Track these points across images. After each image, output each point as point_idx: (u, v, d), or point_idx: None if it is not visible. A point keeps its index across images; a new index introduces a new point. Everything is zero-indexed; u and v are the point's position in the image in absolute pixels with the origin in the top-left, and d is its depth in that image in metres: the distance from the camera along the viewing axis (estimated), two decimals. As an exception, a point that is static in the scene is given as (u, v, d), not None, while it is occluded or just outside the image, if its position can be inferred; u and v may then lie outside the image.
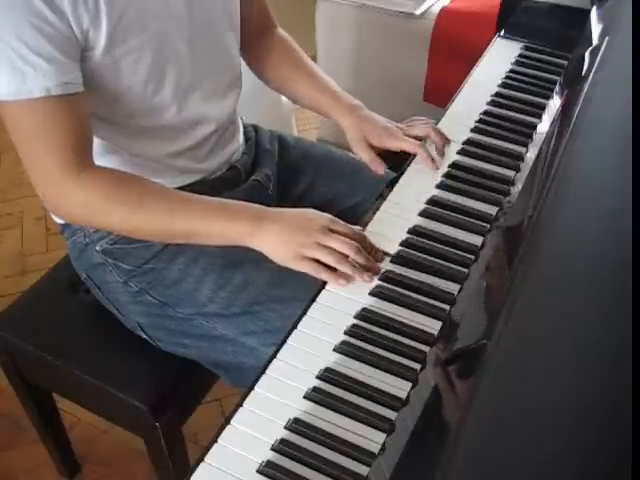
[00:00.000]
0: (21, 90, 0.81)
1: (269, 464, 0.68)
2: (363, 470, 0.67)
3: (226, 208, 0.90)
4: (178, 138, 1.02)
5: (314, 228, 0.86)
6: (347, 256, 0.85)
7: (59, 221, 1.09)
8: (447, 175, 1.02)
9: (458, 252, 0.89)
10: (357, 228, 0.90)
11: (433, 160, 1.02)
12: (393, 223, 0.94)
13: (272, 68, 1.15)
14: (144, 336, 1.06)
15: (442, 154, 1.04)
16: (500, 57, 1.29)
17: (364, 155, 1.05)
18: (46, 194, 0.91)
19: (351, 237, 0.86)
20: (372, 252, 0.88)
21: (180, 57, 0.96)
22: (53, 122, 0.84)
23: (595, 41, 1.16)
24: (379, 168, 1.04)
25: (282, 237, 0.86)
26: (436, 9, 1.81)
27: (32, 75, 0.81)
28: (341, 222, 0.89)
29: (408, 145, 1.03)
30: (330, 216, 0.89)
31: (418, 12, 1.80)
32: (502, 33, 1.35)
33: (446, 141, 1.06)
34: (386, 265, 0.87)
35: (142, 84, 0.93)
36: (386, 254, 0.89)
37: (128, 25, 0.87)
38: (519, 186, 1.00)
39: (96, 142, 0.94)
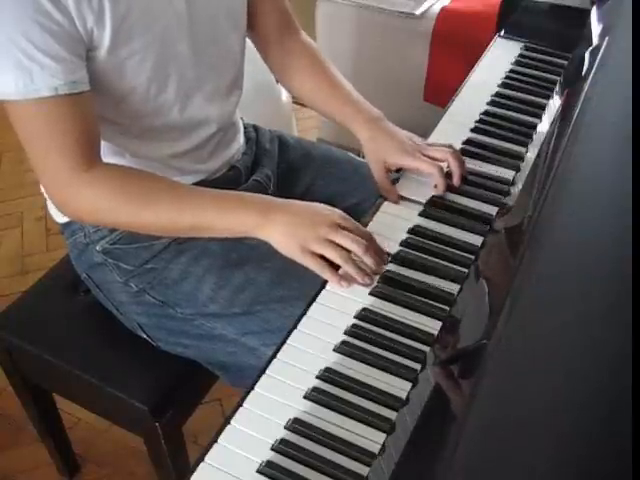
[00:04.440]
0: (29, 89, 0.81)
1: (269, 464, 0.68)
2: (363, 470, 0.67)
3: (234, 200, 0.90)
4: (180, 139, 1.02)
5: (324, 223, 0.85)
6: (353, 254, 0.84)
7: (59, 221, 1.09)
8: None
9: (458, 252, 0.89)
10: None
11: (444, 187, 0.97)
12: (393, 223, 0.94)
13: (292, 75, 1.13)
14: (144, 336, 1.06)
15: (459, 183, 0.98)
16: (500, 57, 1.29)
17: (380, 181, 1.01)
18: (54, 193, 0.91)
19: (360, 236, 0.85)
20: (378, 253, 0.87)
21: (182, 57, 0.96)
22: (60, 121, 0.85)
23: (595, 41, 1.16)
24: (392, 197, 0.98)
25: (290, 229, 0.85)
26: (436, 9, 1.81)
27: (40, 74, 0.81)
28: (351, 220, 0.88)
29: (425, 166, 0.97)
30: (340, 212, 0.88)
31: (418, 12, 1.80)
32: (502, 33, 1.35)
33: (464, 170, 0.99)
34: (386, 265, 0.87)
35: (145, 85, 0.93)
36: (388, 254, 0.89)
37: (132, 25, 0.87)
38: (519, 186, 1.00)
39: None
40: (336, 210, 0.88)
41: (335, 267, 0.85)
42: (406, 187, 1.00)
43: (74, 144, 0.86)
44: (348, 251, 0.84)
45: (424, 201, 0.97)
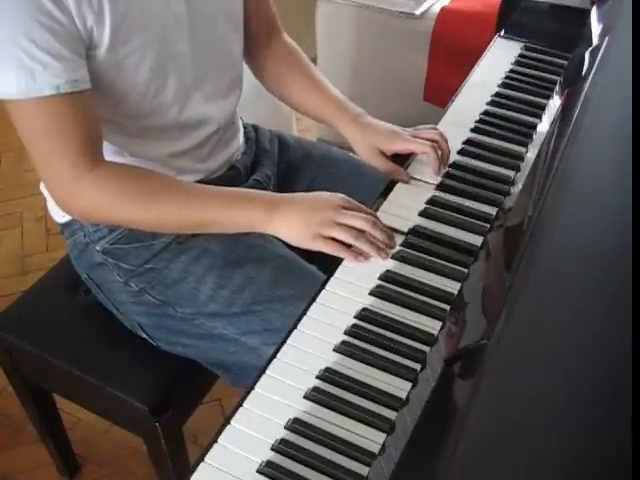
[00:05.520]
0: (31, 88, 0.81)
1: (269, 464, 0.68)
2: (363, 470, 0.67)
3: (240, 196, 0.92)
4: (179, 139, 1.02)
5: (328, 207, 0.87)
6: (363, 232, 0.86)
7: (59, 221, 1.09)
8: (447, 175, 1.02)
9: (458, 252, 0.89)
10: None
11: (440, 164, 1.00)
12: (393, 223, 0.94)
13: (275, 76, 1.15)
14: (144, 336, 1.06)
15: (446, 162, 1.02)
16: (500, 57, 1.29)
17: (381, 166, 1.04)
18: (57, 193, 0.92)
19: (365, 214, 0.88)
20: (384, 229, 0.90)
21: (181, 57, 0.96)
22: (63, 120, 0.85)
23: (595, 41, 1.16)
24: (403, 176, 1.01)
25: (298, 219, 0.87)
26: (436, 9, 1.81)
27: (41, 73, 0.81)
28: (353, 201, 0.90)
29: (417, 146, 1.01)
30: (342, 195, 0.90)
31: (418, 12, 1.80)
32: (502, 33, 1.35)
33: (449, 150, 1.03)
34: (386, 265, 0.87)
35: (145, 84, 0.93)
36: (397, 231, 0.91)
37: (131, 25, 0.87)
38: (519, 186, 1.00)
39: None
40: (337, 194, 0.91)
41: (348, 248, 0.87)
42: (403, 195, 1.00)
43: (76, 144, 0.86)
44: (357, 230, 0.86)
45: (419, 208, 0.97)
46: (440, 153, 1.01)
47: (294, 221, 0.87)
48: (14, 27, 0.79)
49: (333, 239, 0.87)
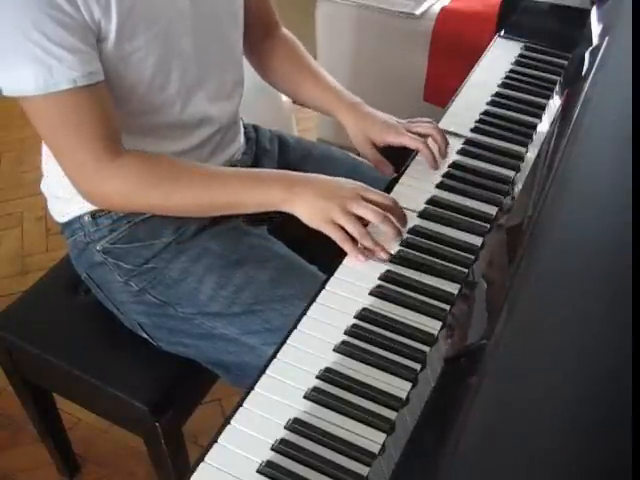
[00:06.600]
0: (49, 84, 0.82)
1: (269, 464, 0.68)
2: (363, 470, 0.67)
3: (259, 177, 0.93)
4: (181, 138, 1.02)
5: (346, 195, 0.88)
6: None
7: (59, 220, 1.09)
8: (447, 175, 1.02)
9: (458, 252, 0.89)
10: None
11: (435, 158, 1.01)
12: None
13: (275, 68, 1.16)
14: (144, 336, 1.06)
15: (444, 155, 1.03)
16: (500, 57, 1.29)
17: (369, 155, 1.05)
18: (80, 184, 0.92)
19: (382, 204, 0.88)
20: (400, 218, 0.90)
21: (185, 54, 0.96)
22: (81, 113, 0.85)
23: (595, 41, 1.16)
24: (385, 169, 1.03)
25: (314, 202, 0.88)
26: (436, 9, 1.81)
27: (57, 67, 0.81)
28: (372, 190, 0.90)
29: (409, 140, 1.01)
30: (361, 184, 0.91)
31: (418, 12, 1.80)
32: (502, 33, 1.35)
33: (447, 143, 1.04)
34: (386, 265, 0.87)
35: (148, 80, 0.93)
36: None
37: (137, 21, 0.87)
38: (519, 186, 1.00)
39: None
40: (357, 182, 0.91)
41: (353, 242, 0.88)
42: (403, 195, 1.00)
43: (95, 136, 0.87)
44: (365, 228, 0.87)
45: (418, 209, 0.97)
46: (437, 147, 1.01)
47: (310, 204, 0.88)
48: (27, 23, 0.79)
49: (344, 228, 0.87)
